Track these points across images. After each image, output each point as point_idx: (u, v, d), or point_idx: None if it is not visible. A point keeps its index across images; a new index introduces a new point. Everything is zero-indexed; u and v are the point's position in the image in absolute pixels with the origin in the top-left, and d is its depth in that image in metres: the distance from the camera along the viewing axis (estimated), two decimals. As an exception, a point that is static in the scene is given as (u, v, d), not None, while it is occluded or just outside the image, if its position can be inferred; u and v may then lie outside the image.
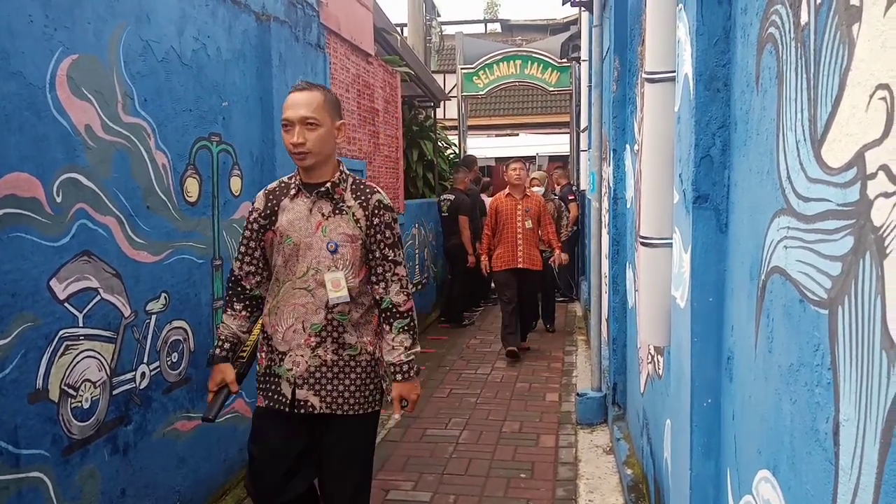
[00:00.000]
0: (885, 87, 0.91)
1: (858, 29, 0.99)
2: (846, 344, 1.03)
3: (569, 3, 6.69)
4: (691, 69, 1.79)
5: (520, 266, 6.70)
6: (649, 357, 3.29)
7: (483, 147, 15.00)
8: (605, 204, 4.79)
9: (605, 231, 4.86)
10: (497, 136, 17.79)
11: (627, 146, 4.08)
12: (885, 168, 0.91)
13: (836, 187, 1.07)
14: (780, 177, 1.34)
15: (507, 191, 6.80)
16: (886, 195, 0.90)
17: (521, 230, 6.67)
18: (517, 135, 17.48)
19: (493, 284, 8.00)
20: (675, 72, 2.06)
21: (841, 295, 1.05)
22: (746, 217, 1.60)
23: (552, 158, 15.06)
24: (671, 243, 2.13)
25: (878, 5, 0.92)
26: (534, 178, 8.12)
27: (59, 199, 2.41)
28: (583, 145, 8.49)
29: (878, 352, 0.93)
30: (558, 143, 15.46)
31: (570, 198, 9.39)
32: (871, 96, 0.95)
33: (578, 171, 9.96)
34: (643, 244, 2.33)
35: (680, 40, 1.96)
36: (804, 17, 1.21)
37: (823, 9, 1.12)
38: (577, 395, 4.96)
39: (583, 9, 6.99)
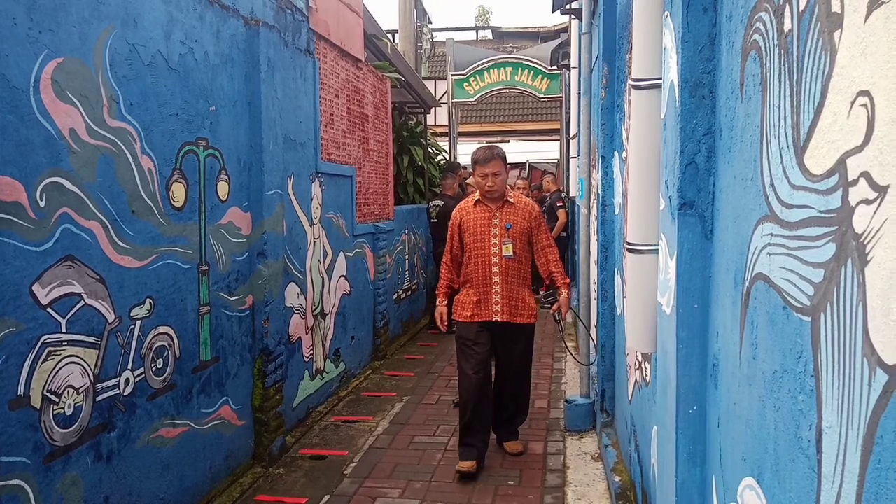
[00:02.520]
0: (866, 93, 0.91)
1: (840, 36, 0.99)
2: (828, 351, 1.03)
3: (559, 11, 6.71)
4: (677, 76, 1.80)
5: (497, 319, 4.08)
6: (637, 364, 3.29)
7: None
8: (594, 210, 4.80)
9: (593, 237, 4.86)
10: (488, 142, 17.80)
11: (616, 153, 4.09)
12: (865, 175, 0.91)
13: (818, 194, 1.07)
14: (763, 183, 1.34)
15: (476, 195, 4.24)
16: (867, 202, 0.90)
17: (497, 259, 4.07)
18: (508, 141, 17.51)
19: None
20: (661, 79, 2.06)
21: (823, 302, 1.05)
22: (731, 224, 1.60)
23: (532, 167, 15.17)
24: (657, 250, 2.13)
25: (859, 13, 0.92)
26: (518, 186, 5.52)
27: (42, 204, 2.39)
28: (573, 152, 8.52)
29: (859, 359, 0.93)
30: (549, 150, 15.50)
31: (559, 204, 9.42)
32: (852, 103, 0.95)
33: (568, 177, 10.00)
34: (630, 250, 2.33)
35: (666, 47, 1.96)
36: (787, 24, 1.21)
37: (806, 16, 1.12)
38: (566, 401, 4.95)
39: (573, 16, 7.03)
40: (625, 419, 3.80)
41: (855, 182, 0.94)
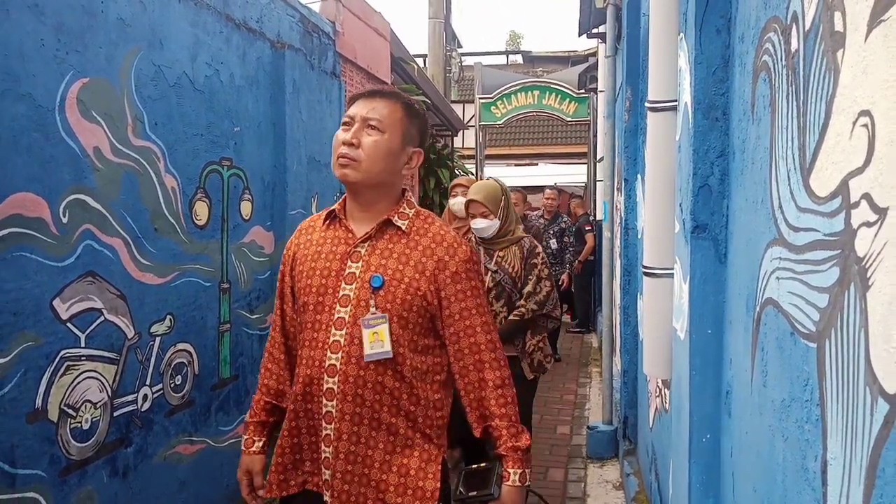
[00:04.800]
0: (867, 113, 0.88)
1: (842, 55, 0.97)
2: (833, 379, 1.00)
3: (585, 35, 6.72)
4: (690, 98, 1.78)
5: (327, 501, 1.69)
6: (657, 390, 3.23)
7: (502, 176, 15.02)
8: (617, 234, 4.76)
9: (617, 261, 4.81)
10: (516, 165, 17.84)
11: (639, 176, 4.06)
12: (867, 197, 0.88)
13: (823, 217, 1.04)
14: (773, 206, 1.31)
15: (324, 212, 1.82)
16: (868, 224, 0.87)
17: (341, 360, 1.65)
18: (536, 164, 17.52)
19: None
20: (676, 101, 2.04)
21: (828, 328, 1.02)
22: (743, 247, 1.56)
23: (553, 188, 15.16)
24: (673, 273, 2.09)
25: (860, 31, 0.90)
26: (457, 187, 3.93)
27: (64, 220, 2.44)
28: (600, 175, 8.47)
29: (862, 388, 0.89)
30: (577, 174, 15.46)
31: (587, 228, 9.35)
32: (853, 123, 0.92)
33: (595, 201, 9.94)
34: (646, 274, 2.30)
35: (681, 69, 1.95)
36: (794, 44, 1.19)
37: (811, 35, 1.10)
38: (588, 428, 4.87)
39: (599, 40, 7.04)
40: (646, 447, 3.72)
41: (857, 204, 0.91)
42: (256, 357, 3.91)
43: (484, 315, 1.74)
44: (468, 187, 3.75)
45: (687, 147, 1.81)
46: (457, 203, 4.00)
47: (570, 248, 8.39)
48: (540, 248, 3.44)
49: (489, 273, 3.35)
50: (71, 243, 2.48)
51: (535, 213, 8.38)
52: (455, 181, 4.31)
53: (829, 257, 1.01)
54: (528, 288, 3.33)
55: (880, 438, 0.84)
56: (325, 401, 1.68)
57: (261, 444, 1.87)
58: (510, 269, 3.35)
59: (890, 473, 0.81)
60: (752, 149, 1.49)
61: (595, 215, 9.83)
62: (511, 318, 3.31)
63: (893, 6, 0.81)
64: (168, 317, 3.08)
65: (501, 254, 3.38)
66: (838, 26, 0.99)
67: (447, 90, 14.00)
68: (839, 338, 0.97)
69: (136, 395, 2.88)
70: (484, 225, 3.33)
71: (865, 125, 0.89)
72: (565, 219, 8.51)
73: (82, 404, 2.57)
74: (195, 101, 3.24)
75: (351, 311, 1.68)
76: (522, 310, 3.30)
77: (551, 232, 8.09)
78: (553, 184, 15.21)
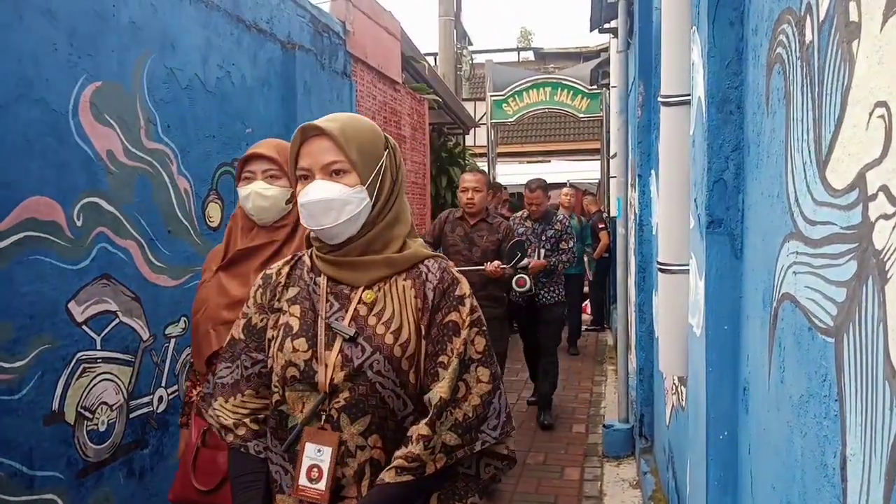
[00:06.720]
0: (884, 104, 0.87)
1: (858, 46, 0.95)
2: (851, 374, 0.98)
3: (597, 30, 6.68)
4: (704, 91, 1.76)
5: None
6: (674, 388, 3.20)
7: (514, 174, 14.98)
8: (632, 230, 4.73)
9: (631, 258, 4.79)
10: (528, 162, 17.78)
11: (653, 172, 4.03)
12: (884, 189, 0.86)
13: (839, 210, 1.03)
14: (789, 200, 1.29)
15: None
16: (886, 217, 0.86)
17: None
18: (549, 161, 17.45)
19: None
20: (690, 95, 2.02)
21: (846, 322, 1.00)
22: (760, 242, 1.54)
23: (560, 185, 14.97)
24: (688, 269, 2.07)
25: (875, 21, 0.89)
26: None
27: (79, 223, 2.46)
28: (613, 172, 8.43)
29: (881, 382, 0.88)
30: (590, 170, 15.37)
31: (600, 226, 9.30)
32: (870, 114, 0.91)
33: (609, 197, 9.90)
34: (661, 270, 2.28)
35: (694, 63, 1.93)
36: (808, 36, 1.17)
37: (826, 26, 1.09)
38: (604, 426, 4.85)
39: (611, 35, 7.00)
40: (663, 445, 3.70)
41: (874, 196, 0.90)
42: (271, 357, 3.92)
43: None
44: (276, 161, 2.00)
45: (701, 141, 1.79)
46: (252, 193, 2.03)
47: (566, 254, 5.39)
48: (467, 288, 1.42)
49: (338, 348, 1.35)
50: (85, 246, 2.50)
51: (519, 214, 5.61)
52: (250, 150, 2.10)
53: (847, 251, 1.00)
54: (441, 391, 1.33)
55: (901, 434, 0.82)
56: None
57: None
58: (386, 340, 1.36)
59: (912, 470, 0.80)
60: (767, 142, 1.47)
61: (609, 212, 9.78)
62: (383, 477, 1.30)
63: (910, -6, 0.80)
64: (182, 318, 3.10)
65: (371, 296, 1.39)
66: (853, 16, 0.97)
67: (458, 88, 13.99)
68: (857, 332, 0.96)
69: (151, 396, 2.90)
70: (329, 194, 1.33)
71: (882, 116, 0.87)
72: (560, 218, 5.56)
73: (98, 406, 2.59)
74: (207, 103, 3.25)
75: None
76: (415, 450, 1.32)
77: (542, 239, 5.44)
78: (566, 181, 15.15)
